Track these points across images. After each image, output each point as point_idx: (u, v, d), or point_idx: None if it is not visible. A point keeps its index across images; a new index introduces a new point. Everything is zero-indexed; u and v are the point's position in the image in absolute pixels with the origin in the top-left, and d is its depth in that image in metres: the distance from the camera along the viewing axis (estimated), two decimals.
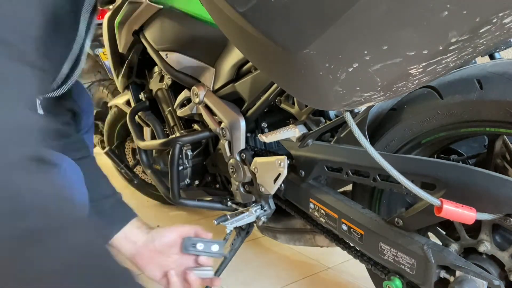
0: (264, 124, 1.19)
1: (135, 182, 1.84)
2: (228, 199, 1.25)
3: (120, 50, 1.64)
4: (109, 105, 1.99)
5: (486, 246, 0.74)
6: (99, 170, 0.91)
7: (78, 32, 0.72)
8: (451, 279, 0.72)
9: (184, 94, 1.38)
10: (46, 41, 0.49)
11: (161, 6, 1.38)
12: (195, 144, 1.35)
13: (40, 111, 0.71)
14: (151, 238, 0.85)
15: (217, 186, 1.38)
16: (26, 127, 0.44)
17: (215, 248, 0.90)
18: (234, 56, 1.17)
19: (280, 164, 0.98)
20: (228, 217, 1.09)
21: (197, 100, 1.28)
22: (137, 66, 1.64)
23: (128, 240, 0.84)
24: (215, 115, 1.24)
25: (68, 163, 0.70)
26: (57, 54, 0.71)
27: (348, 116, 0.63)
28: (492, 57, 0.85)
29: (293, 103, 1.09)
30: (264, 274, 1.39)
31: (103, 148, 2.10)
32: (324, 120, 1.01)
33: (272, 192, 1.04)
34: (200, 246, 0.87)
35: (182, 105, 1.40)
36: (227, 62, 1.20)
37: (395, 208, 0.92)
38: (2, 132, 0.41)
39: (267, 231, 1.22)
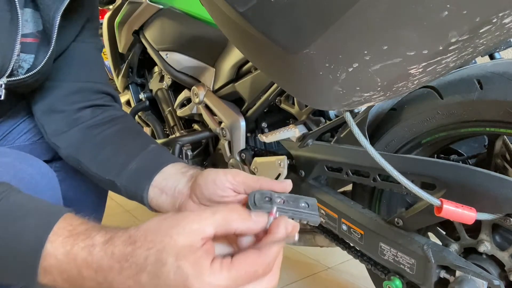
0: (264, 124, 1.19)
1: None
2: None
3: (120, 50, 1.64)
4: None
5: (486, 246, 0.74)
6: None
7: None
8: (451, 279, 0.72)
9: (184, 94, 1.38)
10: None
11: (161, 6, 1.38)
12: (195, 144, 1.35)
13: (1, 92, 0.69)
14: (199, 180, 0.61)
15: None
16: None
17: (306, 205, 0.53)
18: (234, 56, 1.17)
19: (280, 164, 0.99)
20: None
21: (197, 100, 1.28)
22: (137, 66, 1.64)
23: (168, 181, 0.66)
24: (215, 115, 1.24)
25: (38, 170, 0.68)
26: None
27: (348, 116, 0.63)
28: (492, 57, 0.85)
29: (293, 103, 1.09)
30: None
31: None
32: (324, 120, 1.01)
33: None
34: (280, 201, 0.52)
35: (182, 105, 1.40)
36: (227, 62, 1.20)
37: (395, 208, 0.92)
38: None
39: None
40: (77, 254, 0.44)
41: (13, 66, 0.69)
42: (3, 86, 0.69)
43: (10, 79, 0.70)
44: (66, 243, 0.44)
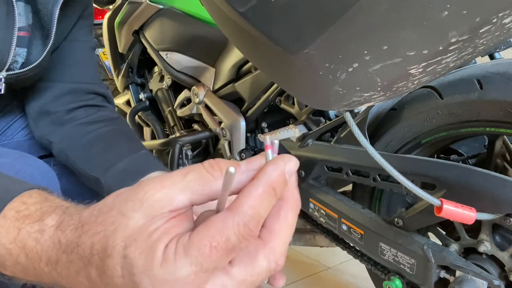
0: (264, 124, 1.19)
1: None
2: None
3: (120, 50, 1.64)
4: None
5: (486, 246, 0.74)
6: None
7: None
8: (451, 279, 0.72)
9: (184, 94, 1.38)
10: None
11: (161, 6, 1.38)
12: (195, 144, 1.35)
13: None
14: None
15: None
16: None
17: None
18: (234, 56, 1.17)
19: None
20: None
21: (197, 100, 1.28)
22: (137, 66, 1.64)
23: None
24: (215, 115, 1.24)
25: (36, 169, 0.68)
26: None
27: (348, 116, 0.63)
28: (492, 57, 0.85)
29: (293, 103, 1.09)
30: None
31: None
32: (324, 120, 1.01)
33: None
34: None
35: (182, 105, 1.40)
36: (227, 62, 1.20)
37: (395, 208, 0.92)
38: None
39: None
40: (25, 241, 0.34)
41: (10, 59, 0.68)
42: (3, 80, 0.69)
43: (9, 72, 0.70)
44: (13, 228, 0.35)
